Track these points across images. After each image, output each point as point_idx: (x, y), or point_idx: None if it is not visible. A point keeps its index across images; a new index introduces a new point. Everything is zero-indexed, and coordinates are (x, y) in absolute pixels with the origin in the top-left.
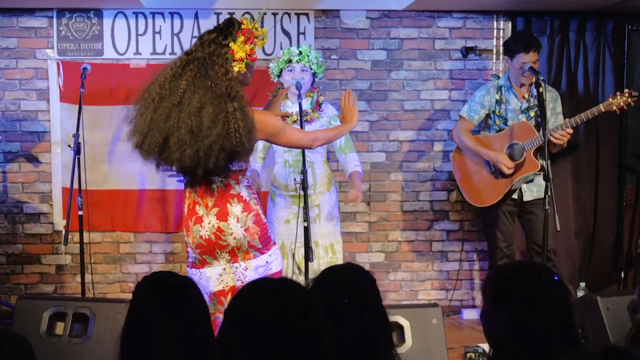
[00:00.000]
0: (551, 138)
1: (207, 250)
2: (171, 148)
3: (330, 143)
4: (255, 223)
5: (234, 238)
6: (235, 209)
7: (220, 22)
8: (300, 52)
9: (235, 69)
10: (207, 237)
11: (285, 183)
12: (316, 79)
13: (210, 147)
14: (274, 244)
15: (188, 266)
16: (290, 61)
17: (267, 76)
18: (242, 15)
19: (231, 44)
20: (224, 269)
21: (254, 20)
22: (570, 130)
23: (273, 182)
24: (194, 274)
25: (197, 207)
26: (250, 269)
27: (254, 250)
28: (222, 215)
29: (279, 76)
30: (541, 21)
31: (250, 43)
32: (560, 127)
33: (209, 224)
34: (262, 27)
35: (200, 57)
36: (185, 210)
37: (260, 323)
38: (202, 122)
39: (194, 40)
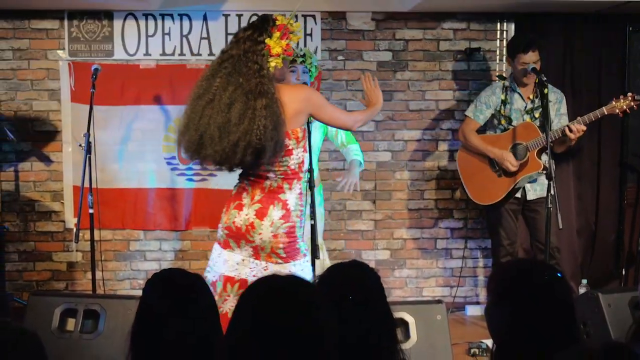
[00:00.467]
0: (565, 130)
1: (233, 236)
2: (205, 144)
3: (332, 139)
4: (287, 234)
5: (261, 238)
6: (275, 213)
7: (228, 23)
8: (304, 55)
9: (272, 64)
10: (239, 225)
11: None
12: (310, 80)
13: (235, 143)
14: (304, 255)
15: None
16: (294, 62)
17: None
18: (250, 17)
19: (267, 40)
20: (243, 260)
21: (293, 17)
22: (584, 127)
23: None
24: (216, 249)
25: (244, 194)
26: (269, 271)
27: (277, 257)
28: (261, 214)
29: None
30: (544, 23)
31: (286, 38)
32: (573, 123)
33: (246, 215)
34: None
35: (235, 55)
36: (233, 191)
37: (263, 321)
38: (230, 119)
39: (203, 41)
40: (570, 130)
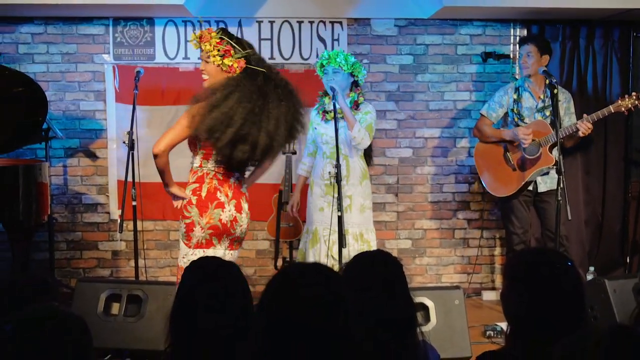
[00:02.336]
0: (578, 131)
1: (218, 234)
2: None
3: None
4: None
5: (241, 230)
6: (245, 205)
7: (262, 29)
8: (329, 56)
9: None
10: (225, 221)
11: (321, 173)
12: (359, 80)
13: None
14: None
15: (190, 247)
16: (322, 65)
17: (304, 78)
18: (282, 23)
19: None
20: (224, 254)
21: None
22: (591, 125)
23: (312, 172)
24: (196, 254)
25: (218, 193)
26: (234, 258)
27: (239, 243)
28: (238, 208)
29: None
30: (554, 29)
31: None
32: (582, 121)
33: (229, 211)
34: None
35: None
36: (204, 193)
37: (278, 315)
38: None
39: None
40: (583, 129)
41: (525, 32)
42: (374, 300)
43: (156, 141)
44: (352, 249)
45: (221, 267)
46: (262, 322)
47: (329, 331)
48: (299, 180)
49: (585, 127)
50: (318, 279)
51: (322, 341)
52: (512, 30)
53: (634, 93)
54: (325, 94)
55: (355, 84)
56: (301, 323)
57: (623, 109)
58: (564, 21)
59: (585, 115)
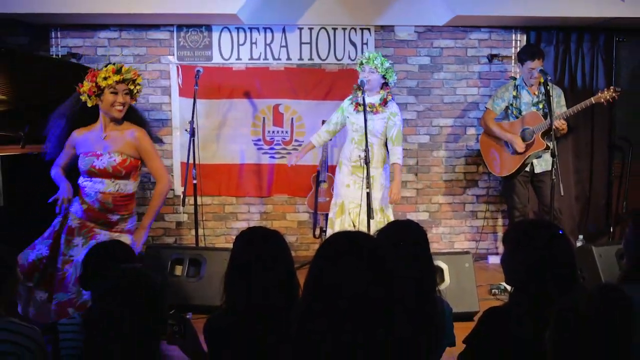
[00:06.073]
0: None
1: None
2: None
3: (385, 135)
4: None
5: None
6: None
7: (302, 35)
8: (368, 57)
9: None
10: None
11: (349, 155)
12: (389, 82)
13: None
14: None
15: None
16: (361, 64)
17: (338, 76)
18: (319, 30)
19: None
20: None
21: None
22: (564, 122)
23: (341, 154)
24: None
25: None
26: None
27: None
28: None
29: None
30: (549, 34)
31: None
32: (557, 118)
33: None
34: None
35: None
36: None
37: (331, 277)
38: None
39: (282, 48)
40: (557, 125)
41: (525, 37)
42: (403, 260)
43: (164, 179)
44: (374, 220)
45: (266, 235)
46: (314, 285)
47: (382, 291)
48: (307, 145)
49: (556, 124)
50: (370, 243)
51: (374, 301)
52: (513, 35)
53: (611, 87)
54: (359, 87)
55: (385, 84)
56: (354, 283)
57: (602, 100)
58: (558, 28)
59: (565, 111)
